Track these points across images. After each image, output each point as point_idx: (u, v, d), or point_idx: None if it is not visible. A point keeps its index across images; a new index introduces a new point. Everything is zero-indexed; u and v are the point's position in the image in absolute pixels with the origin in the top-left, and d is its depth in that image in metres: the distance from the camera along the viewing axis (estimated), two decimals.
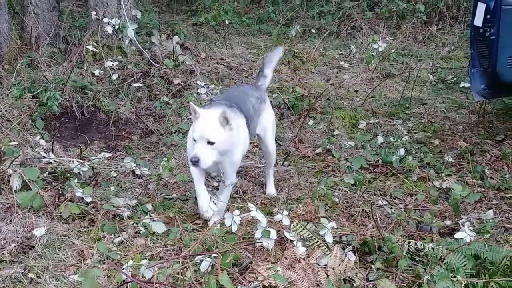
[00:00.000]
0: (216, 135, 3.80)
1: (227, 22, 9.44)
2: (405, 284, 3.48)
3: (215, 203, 3.96)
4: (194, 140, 3.82)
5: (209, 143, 3.78)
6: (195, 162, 3.76)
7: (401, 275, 3.52)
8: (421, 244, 3.68)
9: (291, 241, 3.63)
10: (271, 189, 4.87)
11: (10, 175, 4.42)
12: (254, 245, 3.62)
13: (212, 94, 6.58)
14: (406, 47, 9.18)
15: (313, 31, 9.68)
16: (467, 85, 6.52)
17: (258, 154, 5.64)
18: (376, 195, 4.85)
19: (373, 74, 7.93)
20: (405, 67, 8.10)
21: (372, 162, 5.42)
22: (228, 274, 3.21)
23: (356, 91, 7.47)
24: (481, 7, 5.41)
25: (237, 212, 3.53)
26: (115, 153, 5.59)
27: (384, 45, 8.00)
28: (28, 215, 4.08)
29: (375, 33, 9.35)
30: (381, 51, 8.05)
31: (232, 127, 3.88)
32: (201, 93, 6.54)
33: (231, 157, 4.08)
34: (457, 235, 3.71)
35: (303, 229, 3.74)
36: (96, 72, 6.57)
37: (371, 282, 3.52)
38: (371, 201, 4.56)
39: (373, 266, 3.64)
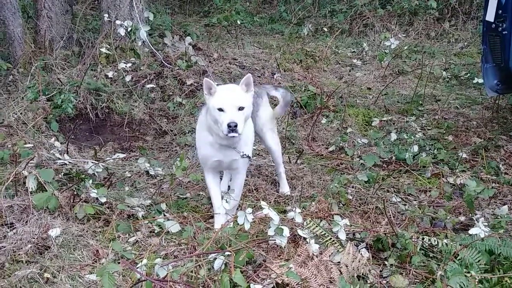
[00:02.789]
0: (245, 99, 3.85)
1: (239, 22, 9.47)
2: (418, 280, 3.47)
3: (227, 201, 3.98)
4: (221, 110, 3.78)
5: (240, 108, 3.80)
6: (234, 127, 3.74)
7: (414, 271, 3.51)
8: (435, 240, 3.66)
9: (304, 238, 3.63)
10: (284, 188, 4.88)
11: (25, 177, 4.46)
12: (267, 243, 3.63)
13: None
14: (418, 44, 9.15)
15: (325, 29, 9.68)
16: (480, 81, 6.48)
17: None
18: (390, 192, 4.84)
19: (385, 71, 7.92)
20: (418, 64, 8.08)
21: (385, 159, 5.42)
22: (241, 272, 3.21)
23: (369, 88, 7.47)
24: (493, 2, 5.38)
25: (249, 210, 3.54)
26: (129, 153, 5.64)
27: (396, 42, 7.99)
28: (44, 216, 4.12)
29: (387, 31, 9.35)
30: (394, 48, 8.03)
31: (253, 92, 3.97)
32: None
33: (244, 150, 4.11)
34: (471, 231, 3.69)
35: (316, 226, 3.74)
36: (110, 74, 6.62)
37: (385, 279, 3.51)
38: (385, 198, 4.54)
39: (386, 262, 3.63)
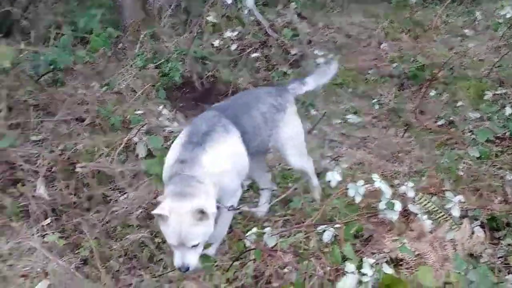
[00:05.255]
0: (198, 236, 3.13)
1: None
2: None
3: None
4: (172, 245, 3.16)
5: (193, 246, 3.14)
6: (186, 271, 3.18)
7: None
8: None
9: (415, 214, 3.52)
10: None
11: (135, 143, 4.58)
12: (377, 217, 3.54)
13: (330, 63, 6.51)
14: None
15: None
16: None
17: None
18: (504, 169, 4.59)
19: (500, 42, 7.51)
20: None
21: (499, 135, 5.15)
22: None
23: (482, 60, 7.11)
24: None
25: (361, 182, 3.44)
26: None
27: None
28: (154, 181, 4.20)
29: None
30: (509, 18, 7.59)
31: (210, 215, 3.11)
32: (319, 63, 6.50)
33: (227, 189, 3.46)
34: None
35: (428, 202, 3.62)
36: (216, 43, 6.66)
37: (500, 259, 3.36)
38: (499, 176, 4.33)
39: (502, 242, 3.48)
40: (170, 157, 3.41)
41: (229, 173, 3.43)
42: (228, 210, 3.47)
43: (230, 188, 3.47)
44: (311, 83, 4.19)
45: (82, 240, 3.78)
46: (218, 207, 3.31)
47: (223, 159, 3.38)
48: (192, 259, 3.14)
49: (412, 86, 6.32)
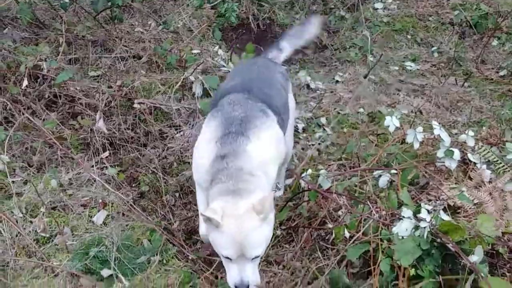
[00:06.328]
0: (262, 242, 2.59)
1: None
2: None
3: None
4: (228, 258, 2.58)
5: (255, 258, 2.60)
6: None
7: None
8: None
9: (474, 163, 3.45)
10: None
11: (192, 82, 4.59)
12: (434, 165, 3.48)
13: (388, 10, 6.34)
14: None
15: None
16: None
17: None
18: None
19: None
20: None
21: None
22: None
23: None
24: None
25: (420, 129, 3.38)
26: (290, 66, 5.60)
27: None
28: None
29: None
30: None
31: (273, 213, 2.67)
32: (378, 8, 6.35)
33: (270, 179, 2.89)
34: None
35: (488, 152, 3.54)
36: None
37: None
38: None
39: None
40: (206, 157, 2.82)
41: (274, 160, 2.95)
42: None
43: (272, 178, 2.91)
44: (287, 48, 3.80)
45: (139, 174, 3.86)
46: None
47: (268, 146, 2.90)
48: (252, 273, 2.58)
49: (474, 34, 6.10)
